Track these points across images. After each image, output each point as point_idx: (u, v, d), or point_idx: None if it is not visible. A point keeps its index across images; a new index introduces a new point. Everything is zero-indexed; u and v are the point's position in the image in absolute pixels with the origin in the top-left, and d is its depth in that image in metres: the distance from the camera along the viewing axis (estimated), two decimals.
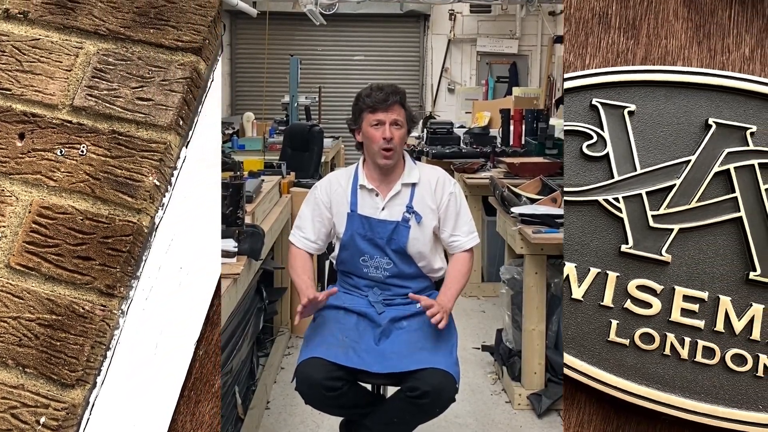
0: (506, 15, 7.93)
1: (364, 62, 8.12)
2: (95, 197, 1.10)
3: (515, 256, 2.57)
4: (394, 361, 1.64)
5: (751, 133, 1.18)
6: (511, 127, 4.85)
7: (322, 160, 4.67)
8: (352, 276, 1.81)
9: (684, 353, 1.13)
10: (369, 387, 1.76)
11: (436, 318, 1.63)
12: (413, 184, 1.78)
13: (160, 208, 1.15)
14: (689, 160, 1.17)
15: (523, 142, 4.66)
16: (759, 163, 1.17)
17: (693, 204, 1.16)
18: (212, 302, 1.15)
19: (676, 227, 1.16)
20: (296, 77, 6.03)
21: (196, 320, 1.12)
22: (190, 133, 1.21)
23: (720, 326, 1.13)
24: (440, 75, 8.20)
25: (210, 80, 1.25)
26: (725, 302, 1.14)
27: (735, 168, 1.17)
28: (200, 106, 1.23)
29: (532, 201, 2.70)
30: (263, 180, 2.79)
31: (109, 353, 1.06)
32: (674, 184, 1.17)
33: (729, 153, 1.17)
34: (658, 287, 1.14)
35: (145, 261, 1.12)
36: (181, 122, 1.16)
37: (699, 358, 1.13)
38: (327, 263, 2.05)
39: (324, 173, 4.07)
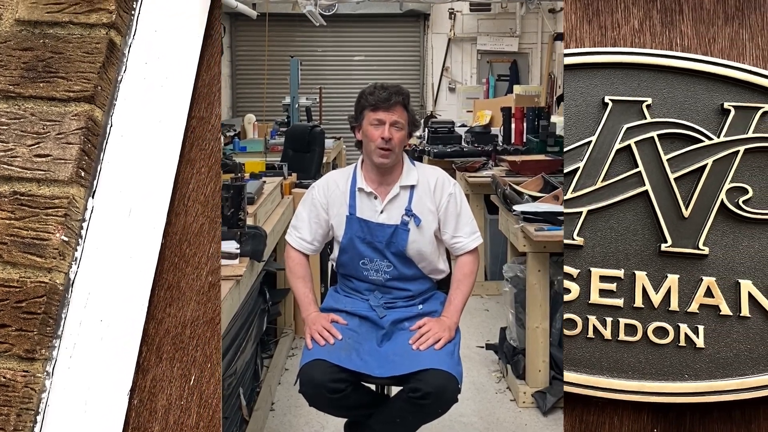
0: (506, 13, 7.91)
1: (365, 62, 8.11)
2: (4, 262, 1.09)
3: (518, 254, 2.57)
4: (396, 363, 1.64)
5: (647, 106, 1.20)
6: (513, 126, 4.84)
7: (324, 160, 4.66)
8: (353, 279, 1.80)
9: (607, 333, 1.14)
10: (373, 387, 1.75)
11: (429, 341, 1.65)
12: (412, 186, 1.77)
13: (73, 263, 1.14)
14: (590, 141, 1.19)
15: (524, 140, 4.65)
16: (658, 135, 1.19)
17: (599, 184, 1.18)
18: (140, 349, 1.14)
19: (584, 209, 1.17)
20: (297, 78, 6.03)
21: (125, 370, 1.11)
22: (95, 182, 1.20)
23: (639, 302, 1.15)
24: (441, 74, 8.19)
25: (109, 126, 1.24)
26: (641, 277, 1.16)
27: (635, 143, 1.19)
28: (102, 154, 1.22)
29: (534, 199, 2.69)
30: (265, 181, 2.79)
31: (39, 417, 1.05)
32: (579, 167, 1.18)
33: (628, 128, 1.19)
34: (575, 271, 1.16)
35: (65, 319, 1.11)
36: (82, 173, 1.15)
37: (622, 336, 1.14)
38: (330, 265, 2.05)
39: (325, 174, 4.06)
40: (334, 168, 5.21)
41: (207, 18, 1.37)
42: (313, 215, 1.82)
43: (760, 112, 1.19)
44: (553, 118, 4.44)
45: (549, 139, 4.08)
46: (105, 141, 1.22)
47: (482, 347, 2.82)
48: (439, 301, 1.81)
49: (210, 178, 1.29)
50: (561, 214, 2.37)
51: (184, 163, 1.29)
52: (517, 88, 6.72)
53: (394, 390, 1.74)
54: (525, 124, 4.75)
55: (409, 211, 1.76)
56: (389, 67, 8.14)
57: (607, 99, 1.20)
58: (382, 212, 1.76)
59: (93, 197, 1.19)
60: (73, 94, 1.18)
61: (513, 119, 4.85)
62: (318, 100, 7.06)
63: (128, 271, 1.17)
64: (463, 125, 5.67)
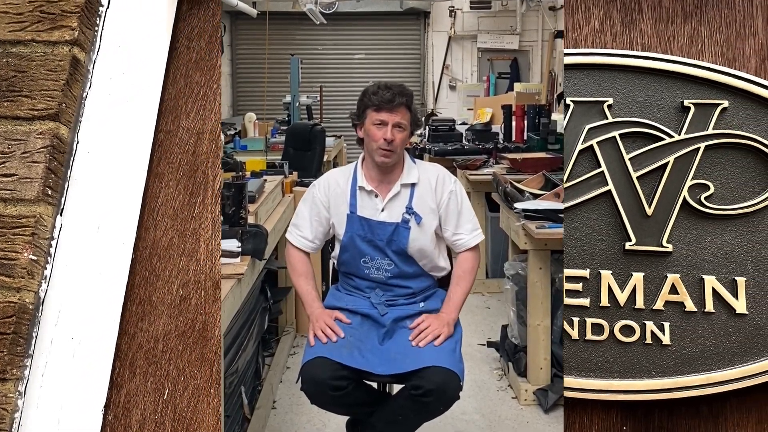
0: (506, 11, 7.91)
1: (365, 61, 8.10)
2: None
3: (519, 252, 2.57)
4: (398, 361, 1.64)
5: (609, 106, 1.22)
6: (513, 123, 4.84)
7: (325, 159, 4.66)
8: (354, 277, 1.80)
9: (574, 333, 1.17)
10: (374, 385, 1.76)
11: (428, 338, 1.64)
12: (413, 185, 1.78)
13: (42, 281, 1.14)
14: None
15: (525, 137, 4.65)
16: (620, 134, 1.21)
17: (563, 185, 1.20)
18: (114, 364, 1.15)
19: None
20: (297, 77, 6.03)
21: (98, 386, 1.12)
22: (63, 200, 1.20)
23: (605, 301, 1.16)
24: (441, 72, 8.18)
25: (75, 143, 1.23)
26: (607, 276, 1.17)
27: (598, 143, 1.20)
28: (69, 171, 1.22)
29: (535, 196, 2.69)
30: (266, 180, 2.79)
31: None
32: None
33: (590, 129, 1.21)
34: None
35: (36, 337, 1.12)
36: (49, 191, 1.15)
37: (589, 335, 1.16)
38: (331, 263, 2.05)
39: (326, 172, 4.06)
40: (334, 167, 5.20)
41: (172, 32, 1.37)
42: (314, 213, 1.83)
43: (719, 108, 1.21)
44: (554, 116, 4.43)
45: (550, 136, 4.08)
46: (72, 158, 1.22)
47: (483, 345, 2.82)
48: (441, 298, 1.82)
49: (178, 192, 1.29)
50: (562, 211, 2.37)
51: (152, 177, 1.30)
52: (517, 86, 6.71)
53: (396, 388, 1.75)
54: (526, 122, 4.74)
55: (410, 209, 1.76)
56: (390, 66, 8.13)
57: (568, 100, 1.22)
58: (382, 210, 1.76)
59: (61, 215, 1.19)
60: (38, 113, 1.18)
61: (514, 117, 4.85)
62: (318, 98, 7.06)
63: (99, 288, 1.17)
64: (464, 123, 5.67)
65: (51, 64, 1.21)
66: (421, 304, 1.78)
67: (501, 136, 4.91)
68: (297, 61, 6.07)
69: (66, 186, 1.21)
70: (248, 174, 2.69)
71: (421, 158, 4.23)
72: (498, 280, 3.52)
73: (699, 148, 1.20)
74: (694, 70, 1.23)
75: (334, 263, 1.90)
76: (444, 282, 1.87)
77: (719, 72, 1.22)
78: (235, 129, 5.77)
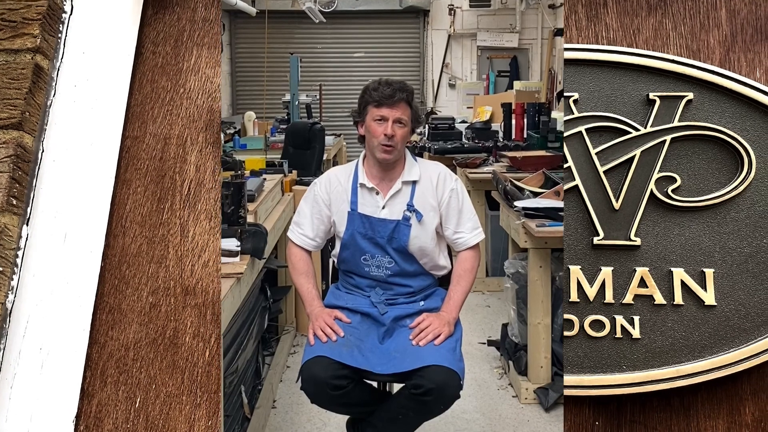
0: (506, 9, 7.90)
1: (365, 59, 8.10)
2: None
3: (519, 250, 2.57)
4: (398, 360, 1.63)
5: (575, 101, 1.23)
6: (513, 121, 4.84)
7: (324, 157, 4.66)
8: (354, 276, 1.80)
9: None
10: (374, 384, 1.75)
11: (429, 337, 1.64)
12: (414, 182, 1.77)
13: (9, 292, 1.13)
14: None
15: (525, 135, 4.64)
16: (586, 129, 1.22)
17: None
18: (84, 374, 1.14)
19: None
20: (296, 75, 6.02)
21: (69, 397, 1.11)
22: (29, 209, 1.19)
23: (575, 296, 1.17)
24: (441, 70, 8.17)
25: (40, 151, 1.22)
26: (576, 271, 1.18)
27: (564, 138, 1.21)
28: (34, 180, 1.21)
29: (535, 195, 2.69)
30: (265, 179, 2.79)
31: None
32: None
33: None
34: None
35: (3, 349, 1.11)
36: (14, 201, 1.14)
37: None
38: (331, 261, 2.04)
39: (326, 171, 4.06)
40: (334, 165, 5.20)
41: (137, 37, 1.36)
42: (315, 211, 1.82)
43: (684, 100, 1.21)
44: (554, 114, 4.43)
45: (549, 134, 4.08)
46: (37, 167, 1.21)
47: (484, 344, 2.82)
48: (441, 297, 1.81)
49: (146, 198, 1.29)
50: (562, 209, 2.37)
51: (120, 184, 1.29)
52: (517, 84, 6.72)
53: (396, 387, 1.74)
54: (525, 120, 4.74)
55: (410, 207, 1.75)
56: (389, 64, 8.13)
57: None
58: (383, 208, 1.76)
59: (27, 224, 1.18)
60: (0, 122, 1.16)
61: (513, 115, 4.84)
62: (318, 97, 7.06)
63: (67, 297, 1.16)
64: (464, 121, 5.67)
65: (13, 73, 1.19)
66: (422, 303, 1.77)
67: (501, 135, 4.91)
68: (296, 59, 6.06)
69: (32, 195, 1.20)
70: (247, 173, 2.69)
71: (421, 156, 4.22)
72: (498, 278, 3.52)
73: (665, 141, 1.20)
74: (660, 63, 1.23)
75: (334, 261, 1.90)
76: (444, 281, 1.86)
77: (684, 64, 1.23)
78: (235, 128, 5.77)
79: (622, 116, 1.22)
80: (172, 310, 1.23)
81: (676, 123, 1.21)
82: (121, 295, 1.23)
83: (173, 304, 1.23)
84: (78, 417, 1.13)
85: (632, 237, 1.17)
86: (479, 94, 7.26)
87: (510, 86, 7.24)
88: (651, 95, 1.22)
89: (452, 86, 8.15)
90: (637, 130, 1.21)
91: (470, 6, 7.97)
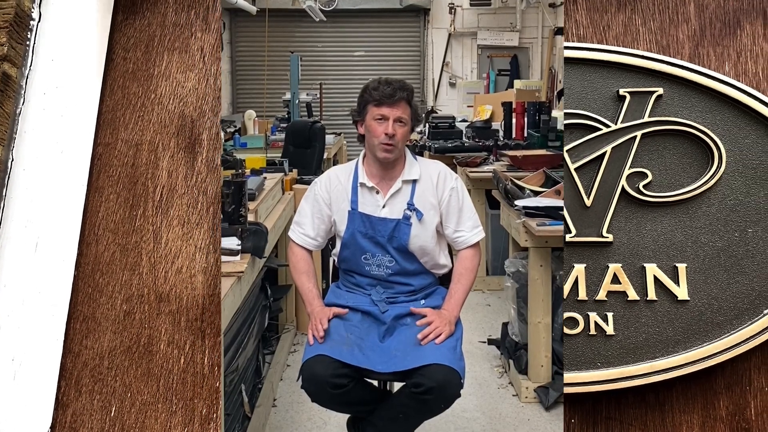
0: (506, 7, 7.89)
1: (365, 58, 8.09)
2: None
3: (519, 249, 2.57)
4: (398, 359, 1.63)
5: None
6: (513, 120, 4.83)
7: (325, 156, 4.66)
8: (354, 274, 1.80)
9: None
10: (375, 383, 1.75)
11: (430, 336, 1.64)
12: (414, 181, 1.77)
13: None
14: None
15: (525, 134, 4.64)
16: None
17: None
18: (59, 384, 1.13)
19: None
20: (297, 74, 6.02)
21: (43, 407, 1.10)
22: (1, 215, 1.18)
23: None
24: (441, 69, 8.16)
25: (10, 161, 1.20)
26: None
27: None
28: (4, 190, 1.19)
29: (536, 193, 2.68)
30: (265, 177, 2.79)
31: None
32: None
33: None
34: None
35: None
36: None
37: None
38: (331, 260, 2.04)
39: (326, 170, 4.06)
40: (335, 164, 5.20)
41: (108, 43, 1.34)
42: (315, 211, 1.82)
43: (654, 95, 1.22)
44: (554, 113, 4.43)
45: (550, 133, 4.07)
46: (7, 177, 1.20)
47: (484, 342, 2.82)
48: (441, 296, 1.81)
49: (119, 205, 1.28)
50: (562, 208, 2.37)
51: (93, 191, 1.28)
52: (517, 83, 6.71)
53: (397, 386, 1.74)
54: (526, 119, 4.74)
55: (411, 206, 1.75)
56: (390, 63, 8.12)
57: None
58: (384, 207, 1.76)
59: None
60: None
61: (514, 114, 4.84)
62: (318, 95, 7.05)
63: (39, 307, 1.15)
64: (464, 120, 5.66)
65: None
66: (422, 302, 1.77)
67: (501, 133, 4.91)
68: (297, 58, 6.06)
69: (2, 205, 1.18)
70: (248, 172, 2.68)
71: (421, 155, 4.22)
72: (498, 277, 3.52)
73: (636, 137, 1.20)
74: (629, 59, 1.23)
75: (334, 261, 1.90)
76: (445, 280, 1.86)
77: (654, 60, 1.23)
78: (235, 126, 5.77)
79: (592, 113, 1.22)
80: (147, 317, 1.22)
81: (646, 118, 1.21)
82: (95, 304, 1.22)
83: (147, 311, 1.23)
84: (53, 427, 1.12)
85: (604, 233, 1.17)
86: (479, 93, 7.25)
87: (510, 85, 7.24)
88: (621, 91, 1.22)
89: (452, 85, 8.14)
90: (607, 126, 1.21)
91: (470, 5, 7.96)
